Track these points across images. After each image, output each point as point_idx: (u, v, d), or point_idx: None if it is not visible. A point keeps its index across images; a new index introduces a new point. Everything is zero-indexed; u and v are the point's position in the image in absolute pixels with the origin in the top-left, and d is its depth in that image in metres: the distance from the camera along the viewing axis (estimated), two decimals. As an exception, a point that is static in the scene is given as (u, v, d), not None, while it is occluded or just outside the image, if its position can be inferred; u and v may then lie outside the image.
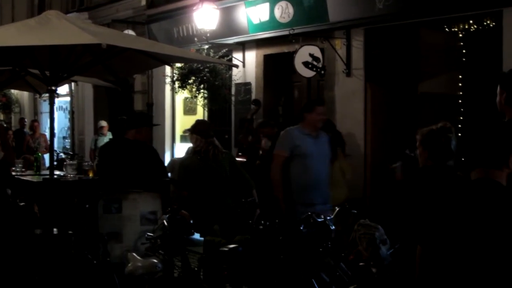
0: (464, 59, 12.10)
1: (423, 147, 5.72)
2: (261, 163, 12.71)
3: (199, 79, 15.27)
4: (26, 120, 23.82)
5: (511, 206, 3.90)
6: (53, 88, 9.20)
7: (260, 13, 14.15)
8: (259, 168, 12.63)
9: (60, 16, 9.15)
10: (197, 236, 8.80)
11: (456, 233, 3.96)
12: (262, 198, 9.28)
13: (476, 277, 3.87)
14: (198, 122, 9.43)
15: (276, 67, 15.26)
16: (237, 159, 11.12)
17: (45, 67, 9.28)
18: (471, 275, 3.89)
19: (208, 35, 15.03)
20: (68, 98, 23.78)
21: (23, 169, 13.05)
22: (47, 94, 9.43)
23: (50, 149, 10.21)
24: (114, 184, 8.50)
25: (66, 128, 24.70)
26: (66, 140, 24.48)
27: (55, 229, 8.90)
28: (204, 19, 14.71)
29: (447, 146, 5.66)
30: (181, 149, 17.37)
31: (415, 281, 4.32)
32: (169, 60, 10.73)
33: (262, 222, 7.62)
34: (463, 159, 4.23)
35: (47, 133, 16.14)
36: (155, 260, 6.85)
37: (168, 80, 16.62)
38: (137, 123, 8.91)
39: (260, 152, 12.67)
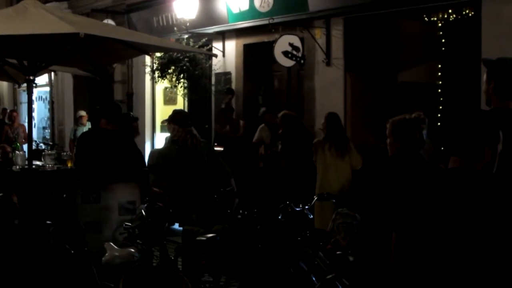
0: (443, 48, 12.11)
1: (395, 137, 5.71)
2: (265, 158, 12.75)
3: (179, 69, 15.23)
4: (8, 110, 23.66)
5: (485, 195, 3.93)
6: (31, 77, 9.14)
7: (239, 3, 14.11)
8: (264, 162, 12.66)
9: (37, 5, 9.09)
10: (176, 225, 8.81)
11: (431, 221, 3.99)
12: (241, 188, 9.29)
13: (450, 263, 3.90)
14: (175, 112, 9.42)
15: (256, 57, 15.23)
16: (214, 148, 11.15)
17: (23, 56, 9.22)
18: (445, 261, 3.91)
19: (187, 24, 14.96)
20: (47, 88, 23.65)
21: (1, 160, 12.96)
22: (25, 84, 9.38)
23: (29, 139, 10.16)
24: (92, 174, 8.47)
25: (46, 118, 24.56)
26: (46, 131, 24.35)
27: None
28: (184, 8, 14.65)
29: (420, 136, 5.67)
30: (161, 139, 17.33)
31: (390, 267, 4.34)
32: (148, 50, 10.70)
33: (240, 211, 7.63)
34: (442, 148, 4.26)
35: (26, 123, 16.06)
36: (132, 250, 6.84)
37: (148, 69, 16.57)
38: (114, 117, 8.87)
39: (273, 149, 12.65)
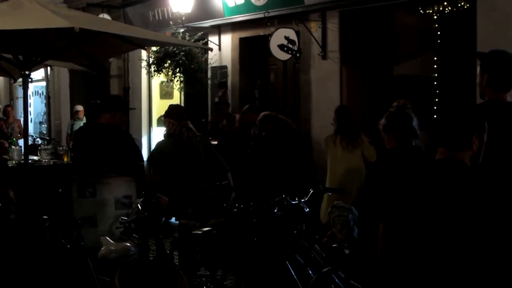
0: (438, 41, 12.12)
1: (387, 131, 5.73)
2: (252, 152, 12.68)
3: (175, 63, 15.23)
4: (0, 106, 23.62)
5: (474, 185, 3.95)
6: (27, 72, 9.13)
7: (235, -4, 14.13)
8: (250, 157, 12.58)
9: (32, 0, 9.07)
10: (173, 220, 8.82)
11: (419, 211, 4.00)
12: (237, 182, 9.29)
13: (438, 254, 3.91)
14: (171, 106, 9.46)
15: (252, 50, 15.23)
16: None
17: (18, 51, 9.21)
18: (433, 252, 3.92)
19: (183, 18, 14.95)
20: (44, 83, 23.63)
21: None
22: (21, 79, 9.36)
23: (25, 134, 10.16)
24: (88, 168, 8.47)
25: (42, 113, 24.56)
26: (43, 125, 24.35)
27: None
28: (179, 2, 14.63)
29: (408, 124, 5.68)
30: (158, 134, 17.34)
31: (378, 258, 4.36)
32: (144, 44, 10.69)
33: (236, 205, 7.64)
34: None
35: (22, 118, 16.03)
36: (128, 244, 6.85)
37: (144, 64, 16.58)
38: (110, 107, 8.85)
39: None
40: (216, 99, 14.48)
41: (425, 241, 3.96)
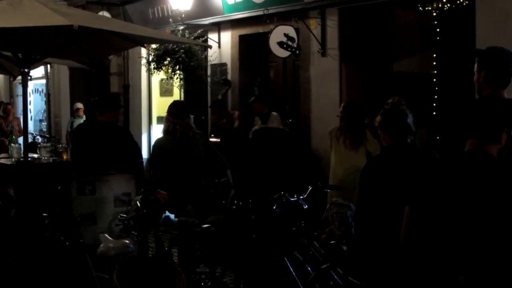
0: (438, 38, 12.12)
1: (382, 128, 5.75)
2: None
3: (175, 60, 15.22)
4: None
5: (502, 176, 4.08)
6: (26, 70, 9.14)
7: (234, -7, 14.14)
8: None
9: (31, -3, 9.07)
10: (172, 217, 8.84)
11: (448, 200, 4.09)
12: (237, 179, 9.30)
13: (466, 240, 3.99)
14: (172, 103, 9.47)
15: (251, 48, 15.23)
16: (211, 139, 11.14)
17: (17, 49, 9.21)
18: (461, 238, 4.00)
19: (183, 15, 14.98)
20: (44, 81, 23.63)
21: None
22: (21, 77, 9.36)
23: (24, 132, 10.16)
24: (87, 166, 8.48)
25: (42, 111, 24.56)
26: (43, 123, 24.34)
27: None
28: (179, -1, 14.66)
29: (403, 120, 5.69)
30: (158, 131, 17.34)
31: (402, 241, 4.42)
32: (143, 41, 10.69)
33: (235, 202, 7.64)
34: (438, 137, 4.34)
35: (22, 116, 16.02)
36: (127, 241, 6.86)
37: (143, 61, 16.58)
38: (109, 105, 8.85)
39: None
40: (220, 97, 14.46)
41: (453, 229, 4.08)
